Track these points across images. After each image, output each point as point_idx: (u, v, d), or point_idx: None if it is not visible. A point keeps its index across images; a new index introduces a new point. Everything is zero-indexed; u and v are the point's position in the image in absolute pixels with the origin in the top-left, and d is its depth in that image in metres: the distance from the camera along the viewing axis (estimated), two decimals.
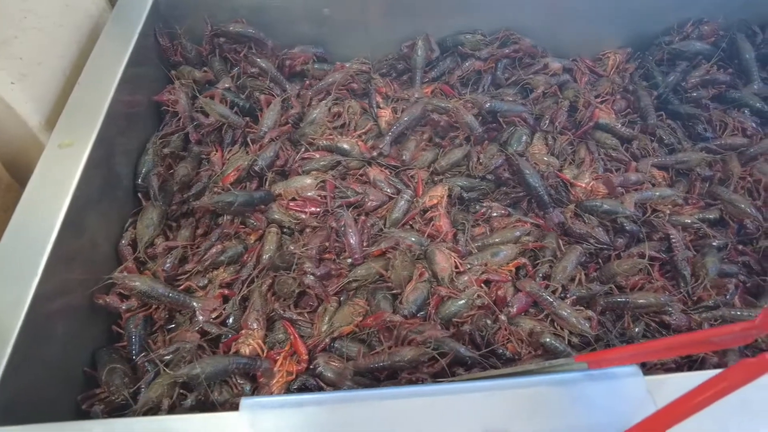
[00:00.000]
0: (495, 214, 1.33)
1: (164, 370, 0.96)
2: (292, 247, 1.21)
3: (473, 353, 1.03)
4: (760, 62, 1.63)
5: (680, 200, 1.35)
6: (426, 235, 1.23)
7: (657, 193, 1.33)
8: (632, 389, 0.72)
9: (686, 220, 1.31)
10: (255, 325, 1.08)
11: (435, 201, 1.29)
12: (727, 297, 1.14)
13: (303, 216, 1.27)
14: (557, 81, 1.57)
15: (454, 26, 1.65)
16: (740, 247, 1.29)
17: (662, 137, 1.48)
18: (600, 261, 1.26)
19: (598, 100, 1.52)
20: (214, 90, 1.41)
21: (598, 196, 1.36)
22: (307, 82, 1.55)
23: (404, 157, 1.37)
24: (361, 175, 1.38)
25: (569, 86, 1.56)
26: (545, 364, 0.81)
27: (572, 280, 1.18)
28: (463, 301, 1.11)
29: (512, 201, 1.36)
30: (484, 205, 1.34)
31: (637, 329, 1.13)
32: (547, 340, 1.04)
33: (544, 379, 0.75)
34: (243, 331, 1.07)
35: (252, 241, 1.26)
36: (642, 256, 1.22)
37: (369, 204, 1.30)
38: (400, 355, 1.01)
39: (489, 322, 1.09)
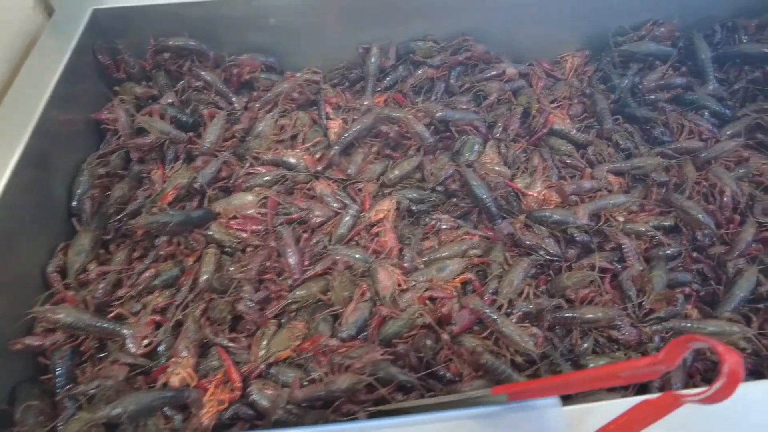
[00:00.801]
0: (444, 227, 1.29)
1: (84, 408, 0.92)
2: (232, 269, 1.17)
3: (410, 377, 0.99)
4: (717, 62, 1.60)
5: (635, 207, 1.32)
6: (370, 251, 1.20)
7: (611, 201, 1.29)
8: (552, 421, 0.69)
9: (640, 228, 1.27)
10: (185, 353, 1.03)
11: (381, 215, 1.26)
12: (677, 308, 1.10)
13: (244, 235, 1.23)
14: (512, 87, 1.53)
15: (412, 32, 1.61)
16: (694, 254, 1.26)
17: (618, 142, 1.44)
18: (551, 273, 1.23)
19: (553, 105, 1.49)
20: (152, 107, 1.37)
21: (551, 205, 1.32)
22: (255, 93, 1.51)
23: (350, 170, 1.33)
24: (309, 190, 1.34)
25: (523, 92, 1.52)
26: (467, 395, 0.78)
27: (520, 294, 1.15)
28: (403, 321, 1.07)
29: (462, 213, 1.33)
30: (434, 217, 1.30)
31: (585, 345, 1.09)
32: (486, 360, 1.00)
33: (462, 414, 0.71)
34: (173, 360, 1.03)
35: (190, 263, 1.21)
36: (593, 267, 1.19)
37: (314, 220, 1.26)
38: (337, 384, 0.97)
39: (429, 342, 1.05)
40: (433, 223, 1.29)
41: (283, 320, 1.15)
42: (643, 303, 1.10)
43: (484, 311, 1.08)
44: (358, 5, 1.55)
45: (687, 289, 1.19)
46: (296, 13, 1.53)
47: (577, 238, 1.23)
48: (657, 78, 1.55)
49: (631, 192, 1.36)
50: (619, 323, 1.09)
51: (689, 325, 1.10)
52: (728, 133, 1.45)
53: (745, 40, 1.60)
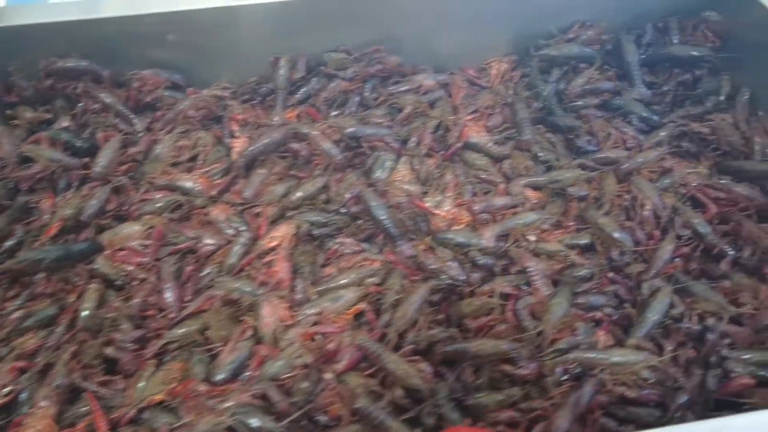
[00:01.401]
0: (347, 251, 1.22)
1: None
2: (115, 305, 1.11)
3: (275, 426, 0.92)
4: (648, 65, 1.52)
5: (546, 225, 1.24)
6: (259, 282, 1.13)
7: (520, 220, 1.22)
8: None
9: (551, 248, 1.19)
10: (45, 402, 0.96)
11: (275, 242, 1.18)
12: (579, 337, 1.02)
13: (129, 268, 1.16)
14: (429, 98, 1.46)
15: (332, 42, 1.53)
16: (611, 274, 1.18)
17: (537, 154, 1.37)
18: (455, 299, 1.15)
19: (470, 117, 1.41)
20: (40, 134, 1.30)
21: (461, 224, 1.25)
22: (159, 113, 1.44)
23: (246, 193, 1.26)
24: (206, 215, 1.27)
25: (439, 104, 1.44)
26: None
27: (415, 324, 1.07)
28: (281, 362, 1.00)
29: (367, 235, 1.25)
30: (337, 241, 1.23)
31: (481, 380, 1.02)
32: (361, 404, 0.93)
33: None
34: (30, 411, 0.96)
35: (72, 300, 1.14)
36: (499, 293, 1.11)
37: (204, 249, 1.20)
38: (195, 428, 0.90)
39: (304, 385, 0.98)
40: (335, 247, 1.22)
41: (166, 359, 1.08)
42: (541, 333, 1.02)
43: (368, 347, 1.01)
44: (269, 15, 1.47)
45: (599, 314, 1.12)
46: (203, 28, 1.45)
47: (479, 262, 1.16)
48: (583, 83, 1.47)
49: (548, 207, 1.29)
50: (516, 356, 1.02)
51: (592, 355, 1.02)
52: (654, 141, 1.37)
53: (675, 41, 1.52)
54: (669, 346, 1.06)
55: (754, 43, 1.43)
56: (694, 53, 1.46)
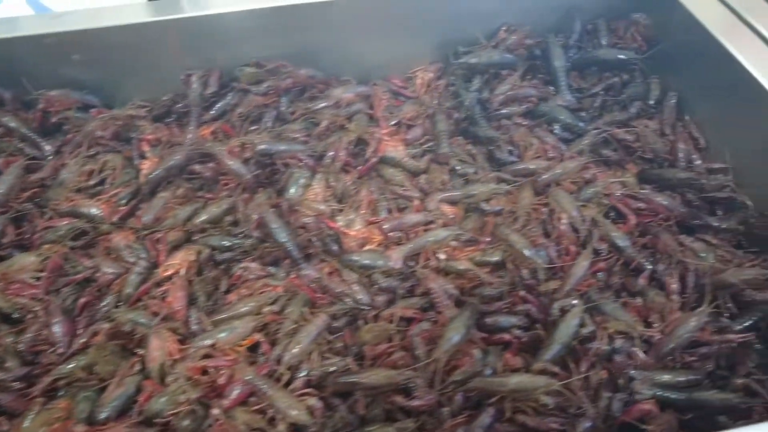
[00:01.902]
0: (252, 277, 1.17)
1: None
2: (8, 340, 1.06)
3: None
4: (577, 69, 1.47)
5: (454, 243, 1.19)
6: (152, 313, 1.08)
7: (429, 238, 1.18)
8: None
9: (461, 267, 1.15)
10: None
11: (173, 270, 1.14)
12: (474, 366, 0.98)
13: (24, 301, 1.12)
14: (348, 111, 1.41)
15: (249, 55, 1.49)
16: (522, 293, 1.14)
17: (455, 167, 1.32)
18: (363, 323, 1.11)
19: (385, 131, 1.36)
20: None
21: (374, 244, 1.21)
22: (69, 135, 1.40)
23: (144, 218, 1.22)
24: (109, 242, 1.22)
25: (358, 117, 1.39)
26: None
27: (310, 355, 1.03)
28: (165, 398, 0.96)
29: (274, 259, 1.21)
30: (241, 266, 1.19)
31: (375, 411, 0.98)
32: None
33: None
34: None
35: None
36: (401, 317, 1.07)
37: (104, 278, 1.15)
38: None
39: (188, 422, 0.94)
40: (239, 272, 1.18)
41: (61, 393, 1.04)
42: (433, 362, 0.98)
43: (254, 382, 0.97)
44: (182, 30, 1.43)
45: (506, 336, 1.08)
46: (115, 46, 1.40)
47: (382, 284, 1.11)
48: (506, 90, 1.42)
49: (464, 223, 1.25)
50: (411, 386, 0.97)
51: (492, 382, 0.98)
52: (576, 150, 1.33)
53: (604, 44, 1.47)
54: (581, 368, 1.03)
55: (678, 46, 1.39)
56: (621, 56, 1.42)
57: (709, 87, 1.34)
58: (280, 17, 1.44)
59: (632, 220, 1.21)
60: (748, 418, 0.92)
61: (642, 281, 1.14)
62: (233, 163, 1.28)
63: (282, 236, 1.15)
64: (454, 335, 0.99)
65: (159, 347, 1.02)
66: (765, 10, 1.32)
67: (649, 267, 1.15)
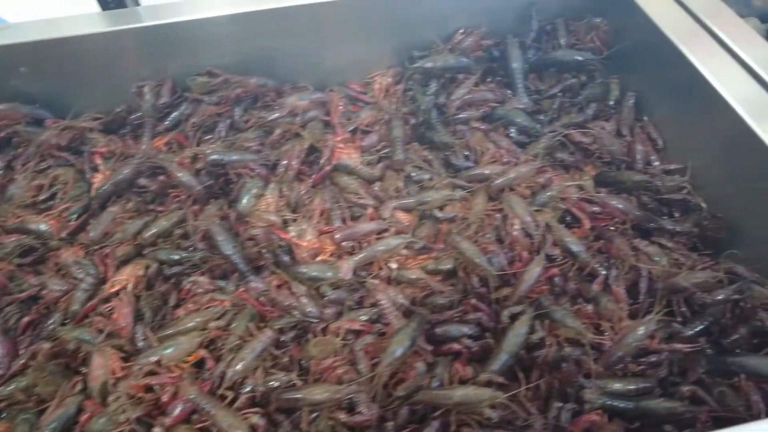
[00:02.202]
0: (201, 291, 1.16)
1: None
2: None
3: None
4: (535, 70, 1.46)
5: (415, 249, 1.18)
6: (96, 330, 1.07)
7: (380, 247, 1.16)
8: None
9: (412, 276, 1.14)
10: None
11: (119, 286, 1.12)
12: (416, 379, 0.96)
13: None
14: (303, 119, 1.39)
15: (204, 63, 1.46)
16: (473, 301, 1.12)
17: (410, 174, 1.30)
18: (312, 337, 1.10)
19: (339, 138, 1.34)
20: None
21: (327, 254, 1.19)
22: (20, 149, 1.38)
23: (92, 233, 1.20)
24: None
25: (312, 124, 1.37)
26: None
27: (255, 370, 1.02)
28: (104, 419, 0.94)
29: (224, 271, 1.19)
30: (190, 280, 1.17)
31: (320, 427, 0.96)
32: None
33: None
34: None
35: None
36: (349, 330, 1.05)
37: (51, 295, 1.14)
38: None
39: None
40: (188, 287, 1.16)
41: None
42: (376, 375, 0.96)
43: (196, 400, 0.95)
44: (137, 40, 1.41)
45: (456, 346, 1.06)
46: (66, 57, 1.38)
47: (331, 296, 1.10)
48: (463, 94, 1.40)
49: (418, 231, 1.23)
50: (356, 401, 0.96)
51: (436, 395, 0.96)
52: (531, 153, 1.31)
53: (562, 43, 1.45)
54: (532, 377, 1.02)
55: (636, 48, 1.37)
56: (579, 58, 1.40)
57: (667, 88, 1.33)
58: (234, 25, 1.42)
59: (586, 224, 1.20)
60: (693, 427, 0.91)
61: (596, 287, 1.13)
62: (183, 175, 1.26)
63: (227, 249, 1.14)
64: (397, 349, 0.97)
65: (101, 366, 1.00)
66: (722, 13, 1.31)
67: (603, 272, 1.14)
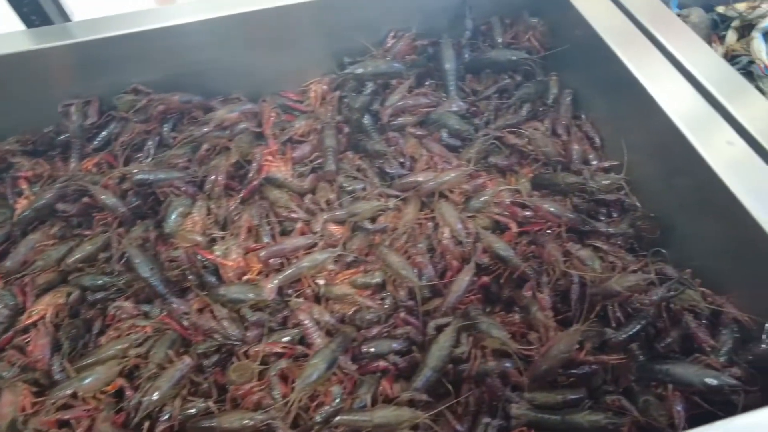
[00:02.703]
0: (125, 316, 1.12)
1: None
2: None
3: None
4: (471, 72, 1.42)
5: (344, 263, 1.15)
6: (9, 363, 1.03)
7: (305, 264, 1.13)
8: None
9: (339, 292, 1.11)
10: None
11: (38, 316, 1.09)
12: (333, 404, 0.93)
13: None
14: (232, 132, 1.35)
15: (136, 79, 1.43)
16: (402, 314, 1.09)
17: (342, 184, 1.27)
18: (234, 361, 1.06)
19: (268, 151, 1.30)
20: None
21: (254, 272, 1.16)
22: None
23: (8, 263, 1.16)
24: None
25: (241, 137, 1.33)
26: None
27: (174, 398, 0.99)
28: None
29: (149, 296, 1.16)
30: (114, 305, 1.14)
31: None
32: None
33: None
34: None
35: None
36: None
37: None
38: None
39: None
40: (112, 312, 1.13)
41: None
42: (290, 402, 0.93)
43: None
44: (63, 58, 1.37)
45: (382, 364, 1.03)
46: None
47: (251, 319, 1.06)
48: (397, 100, 1.37)
49: (349, 244, 1.20)
50: (275, 427, 0.93)
51: (355, 418, 0.93)
52: (465, 158, 1.28)
53: (499, 41, 1.42)
54: (462, 392, 0.99)
55: (572, 46, 1.34)
56: (512, 57, 1.36)
57: (601, 87, 1.30)
58: (162, 39, 1.38)
59: (513, 228, 1.17)
60: None
61: (527, 292, 1.09)
62: (106, 198, 1.23)
63: (145, 271, 1.10)
64: (312, 373, 0.94)
65: (11, 403, 0.97)
66: (658, 11, 1.27)
67: (533, 275, 1.10)
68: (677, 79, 1.13)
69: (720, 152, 1.00)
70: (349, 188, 1.27)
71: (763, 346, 0.93)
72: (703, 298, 1.01)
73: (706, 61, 1.15)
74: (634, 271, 1.06)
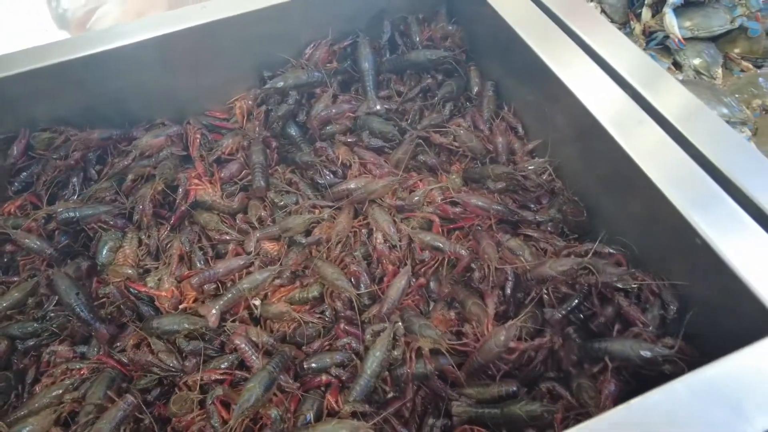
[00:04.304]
0: (60, 360, 1.10)
1: None
2: None
3: None
4: (395, 73, 1.42)
5: (272, 282, 1.14)
6: None
7: (246, 285, 1.11)
8: None
9: (275, 310, 1.10)
10: None
11: None
12: (276, 427, 0.92)
13: None
14: (156, 159, 1.33)
15: (52, 114, 1.38)
16: (342, 325, 1.09)
17: (274, 200, 1.26)
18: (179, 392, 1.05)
19: (194, 173, 1.29)
20: None
21: (189, 301, 1.14)
22: None
23: None
24: None
25: (166, 162, 1.31)
26: None
27: None
28: None
29: (84, 335, 1.13)
30: (48, 350, 1.11)
31: None
32: None
33: None
34: None
35: None
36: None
37: None
38: None
39: None
40: (46, 358, 1.10)
41: None
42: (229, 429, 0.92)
43: None
44: None
45: (324, 378, 1.03)
46: None
47: (186, 348, 1.05)
48: (321, 109, 1.36)
49: (285, 260, 1.19)
50: None
51: None
52: (394, 161, 1.28)
53: (417, 40, 1.42)
54: (407, 394, 0.99)
55: (486, 38, 1.35)
56: (431, 57, 1.36)
57: (520, 76, 1.31)
58: (72, 71, 1.33)
59: (436, 221, 1.17)
60: (553, 428, 0.89)
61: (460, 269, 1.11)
62: (30, 241, 1.20)
63: (69, 296, 1.09)
64: (249, 396, 0.93)
65: None
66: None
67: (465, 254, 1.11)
68: (588, 65, 1.14)
69: (632, 133, 1.02)
70: (281, 203, 1.26)
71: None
72: (631, 277, 1.03)
73: (618, 47, 1.16)
74: (568, 255, 1.07)
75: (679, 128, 0.99)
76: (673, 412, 0.69)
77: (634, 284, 1.01)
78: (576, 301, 1.05)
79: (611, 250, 1.06)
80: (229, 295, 1.11)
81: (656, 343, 0.94)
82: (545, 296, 1.07)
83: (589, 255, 1.04)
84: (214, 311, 1.09)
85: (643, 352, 0.92)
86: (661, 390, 0.71)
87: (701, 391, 0.71)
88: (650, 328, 0.97)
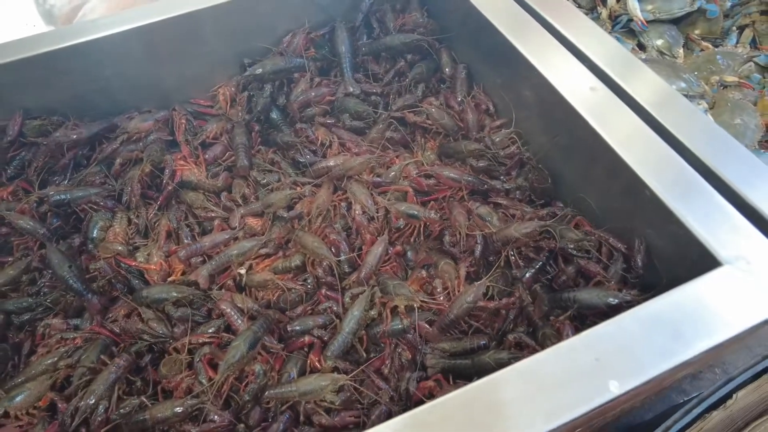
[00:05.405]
0: (54, 333, 1.15)
1: None
2: None
3: None
4: (372, 55, 1.49)
5: (269, 250, 1.20)
6: None
7: (233, 252, 1.17)
8: None
9: (259, 278, 1.16)
10: None
11: None
12: (256, 383, 0.98)
13: None
14: (145, 143, 1.38)
15: (38, 104, 1.44)
16: (323, 291, 1.15)
17: (256, 178, 1.32)
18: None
19: (179, 155, 1.34)
20: None
21: (177, 274, 1.20)
22: None
23: None
24: None
25: (152, 146, 1.37)
26: None
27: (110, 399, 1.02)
28: None
29: (77, 308, 1.18)
30: (42, 324, 1.16)
31: None
32: None
33: None
34: None
35: None
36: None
37: None
38: None
39: None
40: (41, 331, 1.15)
41: None
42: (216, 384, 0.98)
43: None
44: None
45: (306, 339, 1.09)
46: None
47: (174, 315, 1.11)
48: (300, 93, 1.42)
49: (268, 233, 1.25)
50: (207, 411, 0.97)
51: (282, 390, 0.98)
52: (369, 139, 1.35)
53: (391, 27, 1.49)
54: (387, 351, 1.05)
55: (455, 19, 1.42)
56: (406, 41, 1.43)
57: (488, 59, 1.37)
58: (60, 60, 1.38)
59: (410, 192, 1.23)
60: None
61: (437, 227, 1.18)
62: (23, 222, 1.25)
63: (63, 269, 1.14)
64: (235, 353, 0.99)
65: None
66: None
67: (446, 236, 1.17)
68: (556, 47, 1.21)
69: (585, 98, 1.09)
70: (264, 181, 1.32)
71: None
72: (587, 240, 1.09)
73: (583, 29, 1.22)
74: (531, 219, 1.14)
75: (631, 92, 1.06)
76: (621, 339, 0.76)
77: (589, 246, 1.08)
78: (540, 263, 1.12)
79: (572, 213, 1.14)
80: (216, 261, 1.18)
81: (621, 292, 1.00)
82: (511, 258, 1.14)
83: (553, 220, 1.11)
84: (203, 272, 1.16)
85: (610, 300, 0.99)
86: (611, 321, 0.78)
87: (647, 321, 0.77)
88: (612, 282, 1.04)
